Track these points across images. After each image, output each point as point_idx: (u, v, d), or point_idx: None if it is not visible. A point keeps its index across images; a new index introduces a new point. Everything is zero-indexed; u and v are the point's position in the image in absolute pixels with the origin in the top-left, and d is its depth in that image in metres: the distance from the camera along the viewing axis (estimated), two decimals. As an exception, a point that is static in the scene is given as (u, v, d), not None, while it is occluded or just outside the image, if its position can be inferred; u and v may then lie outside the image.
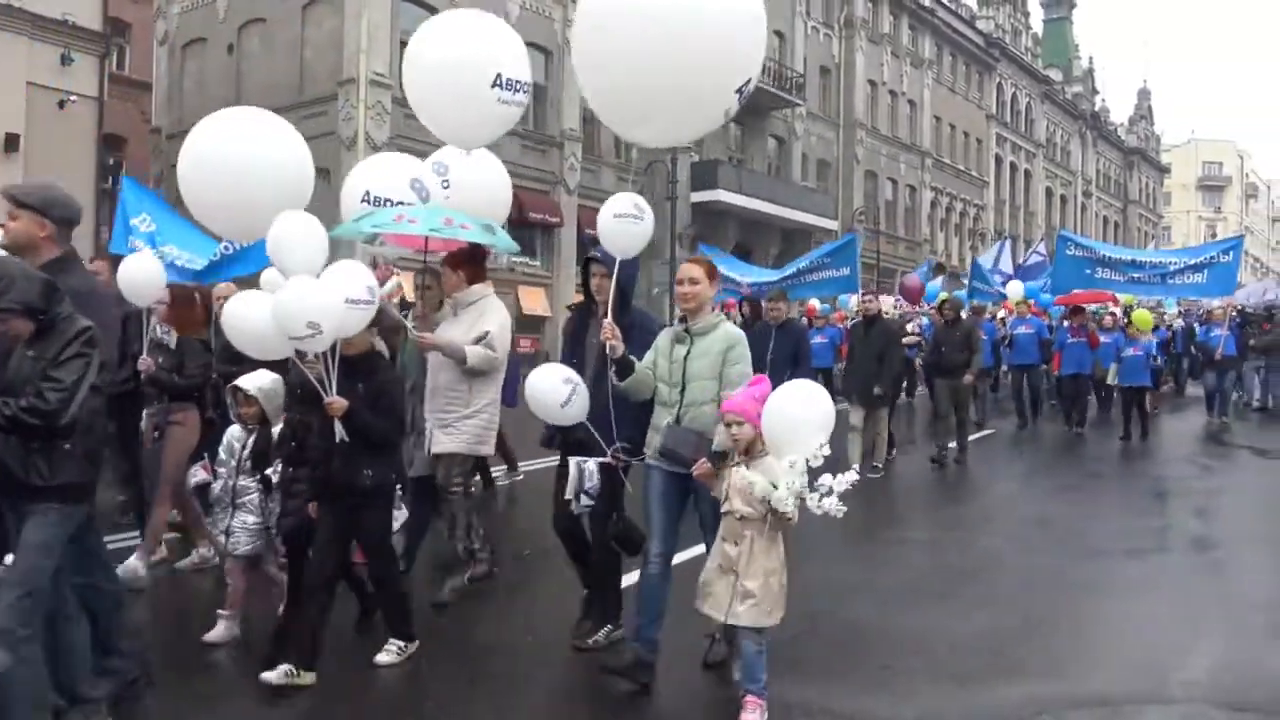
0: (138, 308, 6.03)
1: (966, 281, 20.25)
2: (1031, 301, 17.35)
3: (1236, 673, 4.57)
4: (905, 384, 16.55)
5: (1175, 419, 17.00)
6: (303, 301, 4.16)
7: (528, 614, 5.44)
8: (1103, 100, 72.33)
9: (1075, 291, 15.85)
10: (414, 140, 25.50)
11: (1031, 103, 58.51)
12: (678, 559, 4.60)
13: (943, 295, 15.71)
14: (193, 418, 6.19)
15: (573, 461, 4.71)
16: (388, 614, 4.72)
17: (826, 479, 3.75)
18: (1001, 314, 18.73)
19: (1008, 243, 28.49)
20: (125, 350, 5.96)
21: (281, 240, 4.36)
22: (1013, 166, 55.97)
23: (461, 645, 4.96)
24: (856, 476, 3.83)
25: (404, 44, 26.37)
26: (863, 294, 11.80)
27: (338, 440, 4.41)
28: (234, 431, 5.01)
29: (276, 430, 4.75)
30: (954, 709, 4.13)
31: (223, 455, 4.97)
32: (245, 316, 4.51)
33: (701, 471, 4.16)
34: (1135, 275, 14.58)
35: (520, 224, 27.98)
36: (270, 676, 4.16)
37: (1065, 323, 15.76)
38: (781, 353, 8.60)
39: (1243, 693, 4.29)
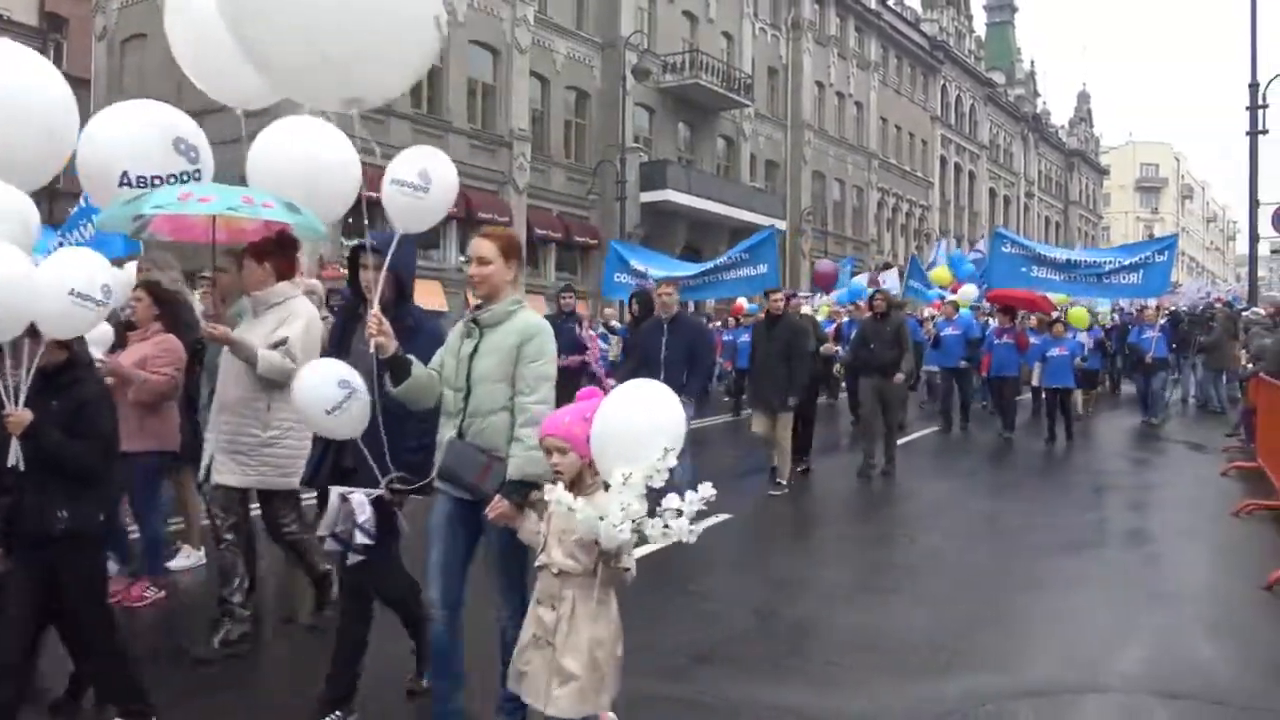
0: None
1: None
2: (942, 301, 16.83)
3: (1170, 662, 4.70)
4: (827, 385, 16.02)
5: (1112, 417, 17.37)
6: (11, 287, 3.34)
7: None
8: (1044, 103, 73.67)
9: (1010, 290, 15.55)
10: (361, 139, 25.31)
11: (975, 105, 59.42)
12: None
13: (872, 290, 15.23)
14: None
15: (333, 493, 3.74)
16: (102, 686, 3.81)
17: (673, 499, 2.90)
18: (929, 312, 18.13)
19: (942, 243, 28.90)
20: None
21: None
22: (957, 167, 56.80)
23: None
24: (712, 491, 2.93)
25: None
26: (771, 291, 10.38)
27: (10, 465, 3.49)
28: None
29: None
30: (899, 703, 4.19)
31: None
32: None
33: (499, 512, 3.33)
34: (1071, 275, 14.58)
35: (469, 223, 27.90)
36: None
37: (993, 322, 15.56)
38: (676, 351, 7.77)
39: (1176, 681, 4.41)
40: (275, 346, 4.54)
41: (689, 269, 15.05)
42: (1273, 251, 25.02)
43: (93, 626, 3.69)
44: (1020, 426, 14.50)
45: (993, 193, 61.95)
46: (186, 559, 6.27)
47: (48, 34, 24.35)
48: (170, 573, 5.92)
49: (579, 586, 3.10)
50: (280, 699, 4.31)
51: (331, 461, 3.94)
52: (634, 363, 8.18)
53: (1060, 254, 16.03)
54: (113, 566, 4.95)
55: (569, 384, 9.61)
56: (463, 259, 26.89)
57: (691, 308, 15.84)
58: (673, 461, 2.91)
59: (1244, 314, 16.95)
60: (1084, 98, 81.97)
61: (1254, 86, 20.45)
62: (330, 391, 3.57)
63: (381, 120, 25.96)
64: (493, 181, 28.69)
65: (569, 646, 3.08)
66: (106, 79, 29.49)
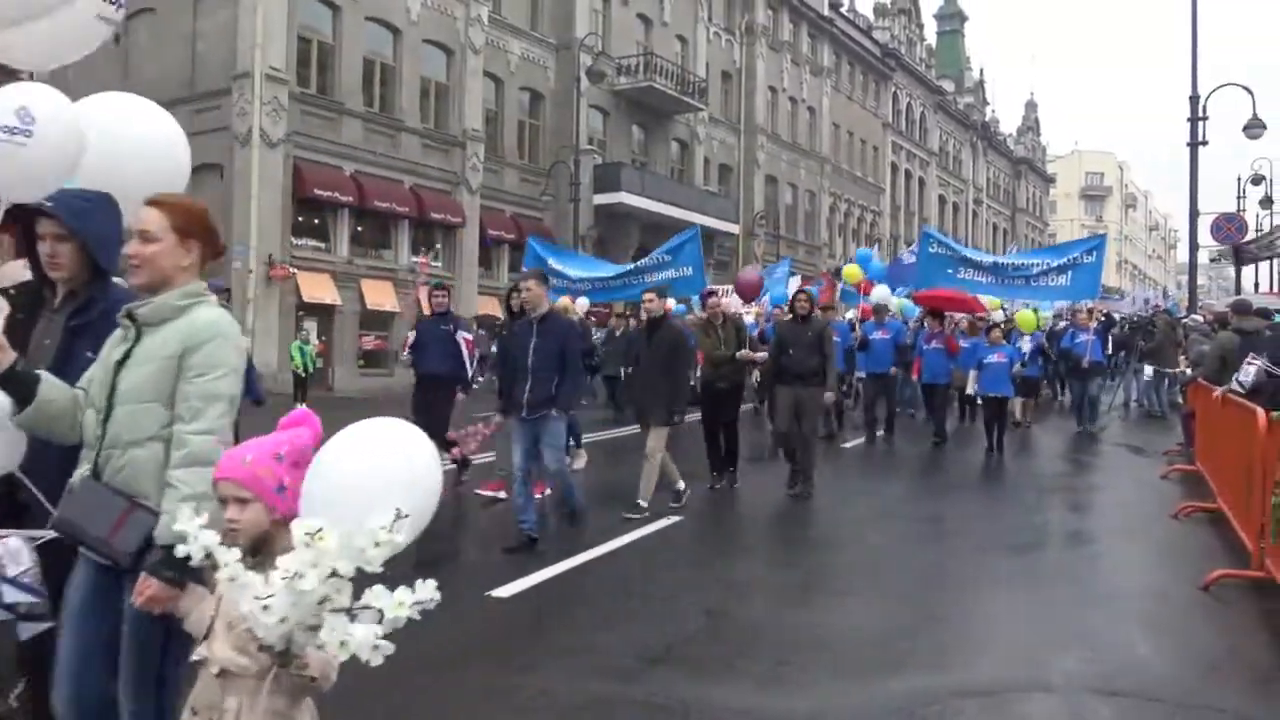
0: None
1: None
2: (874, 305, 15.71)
3: (1110, 661, 4.79)
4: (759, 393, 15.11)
5: (1054, 424, 17.63)
6: None
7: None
8: (992, 111, 74.83)
9: (937, 291, 15.18)
10: (311, 137, 25.09)
11: (925, 112, 60.18)
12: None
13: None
14: None
15: None
16: None
17: (376, 593, 2.03)
18: (850, 314, 17.08)
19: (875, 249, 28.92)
20: None
21: None
22: (908, 174, 57.49)
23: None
24: (435, 595, 2.07)
25: (302, 38, 25.85)
26: (645, 291, 9.42)
27: None
28: None
29: None
30: (847, 702, 4.24)
31: None
32: None
33: (149, 594, 2.36)
34: (998, 277, 14.21)
35: (421, 223, 27.69)
36: None
37: (922, 327, 15.11)
38: (545, 356, 6.88)
39: (1116, 679, 4.50)
40: None
41: (609, 270, 14.40)
42: (1211, 260, 25.63)
43: None
44: (952, 434, 14.44)
45: (942, 199, 62.79)
46: None
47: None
48: None
49: (249, 693, 2.15)
50: None
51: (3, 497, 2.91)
52: (502, 368, 7.70)
53: (986, 257, 15.75)
54: None
55: (442, 396, 8.96)
56: (414, 259, 26.72)
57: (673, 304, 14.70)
58: (403, 537, 2.05)
59: (1184, 320, 17.26)
60: (1031, 106, 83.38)
61: (1194, 99, 20.91)
62: None
63: (332, 119, 25.72)
64: (445, 182, 28.52)
65: None
66: (49, 73, 28.83)
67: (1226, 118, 24.16)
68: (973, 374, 13.30)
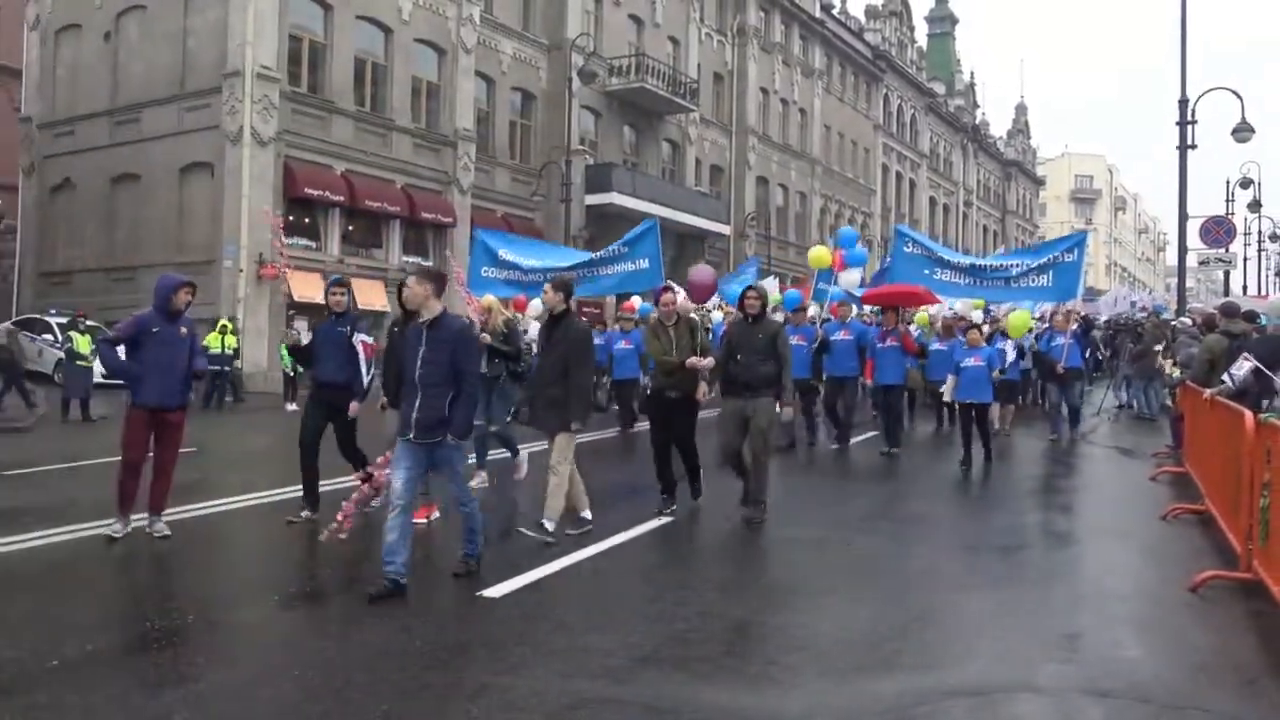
0: None
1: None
2: (839, 303, 14.57)
3: (1099, 661, 4.80)
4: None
5: (1043, 426, 17.57)
6: None
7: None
8: (982, 113, 75.10)
9: (888, 287, 14.41)
10: (302, 136, 25.00)
11: (916, 114, 60.36)
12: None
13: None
14: None
15: None
16: None
17: None
18: (813, 311, 15.84)
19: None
20: None
21: None
22: (898, 175, 57.64)
23: None
24: None
25: (293, 37, 25.91)
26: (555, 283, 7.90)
27: None
28: None
29: None
30: (836, 702, 4.24)
31: None
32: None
33: None
34: (977, 279, 13.62)
35: (412, 223, 27.65)
36: None
37: (876, 325, 14.18)
38: (435, 366, 5.93)
39: (1105, 680, 4.52)
40: None
41: (566, 259, 13.58)
42: (1200, 263, 25.74)
43: None
44: (928, 441, 14.32)
45: (933, 201, 62.96)
46: None
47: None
48: None
49: None
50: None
51: None
52: (386, 372, 7.23)
53: (964, 259, 15.19)
54: None
55: (336, 404, 7.74)
56: (405, 260, 26.66)
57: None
58: None
59: (1173, 323, 17.21)
60: (1022, 109, 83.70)
61: (1184, 103, 21.02)
62: None
63: (323, 118, 25.65)
64: (436, 181, 28.52)
65: None
66: (39, 70, 28.74)
67: (1216, 120, 24.25)
68: (950, 379, 12.08)
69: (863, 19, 55.60)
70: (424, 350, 5.96)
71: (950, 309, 17.47)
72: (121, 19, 26.40)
